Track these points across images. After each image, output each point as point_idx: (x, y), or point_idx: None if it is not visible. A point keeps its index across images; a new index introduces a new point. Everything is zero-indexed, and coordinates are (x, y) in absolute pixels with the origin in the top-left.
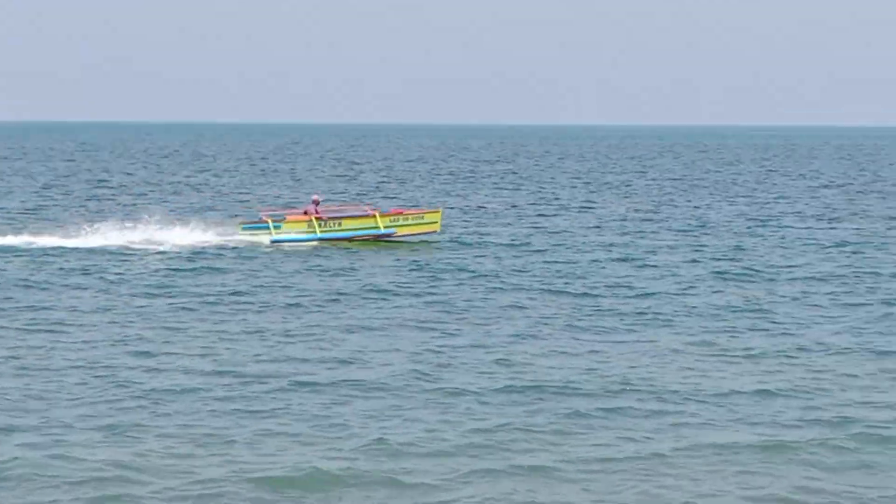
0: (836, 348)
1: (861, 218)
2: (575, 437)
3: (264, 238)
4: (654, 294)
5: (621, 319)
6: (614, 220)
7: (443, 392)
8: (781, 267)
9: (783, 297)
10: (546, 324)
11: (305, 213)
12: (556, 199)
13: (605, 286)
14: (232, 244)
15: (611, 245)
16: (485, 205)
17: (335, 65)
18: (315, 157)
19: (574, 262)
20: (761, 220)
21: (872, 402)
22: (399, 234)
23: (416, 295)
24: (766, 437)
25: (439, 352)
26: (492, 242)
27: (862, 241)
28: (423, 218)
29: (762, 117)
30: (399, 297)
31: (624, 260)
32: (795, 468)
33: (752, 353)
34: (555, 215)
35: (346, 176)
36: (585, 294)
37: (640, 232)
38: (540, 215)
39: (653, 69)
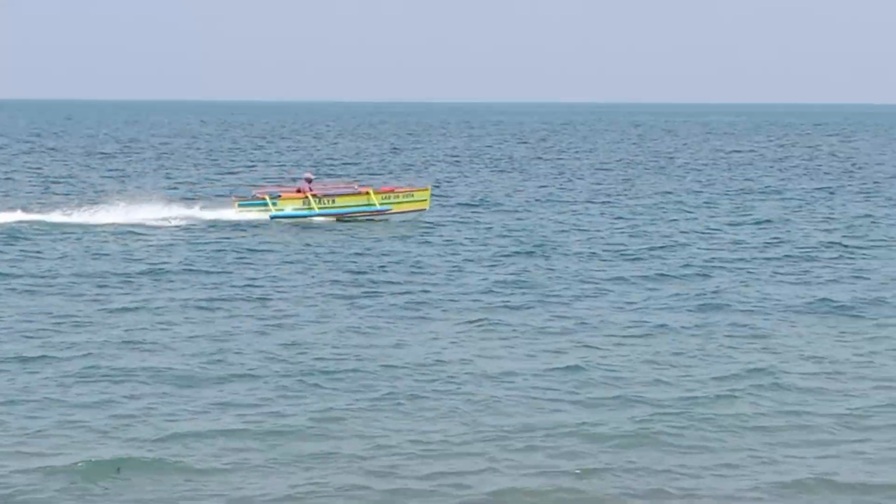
0: (614, 325)
1: (634, 193)
2: (359, 421)
3: (262, 215)
4: (433, 272)
5: (402, 297)
6: None
7: (229, 376)
8: (558, 243)
9: (561, 273)
10: (328, 304)
11: (298, 190)
12: (339, 176)
13: (388, 262)
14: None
15: (389, 222)
16: (265, 182)
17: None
18: (91, 133)
19: (354, 239)
20: (539, 197)
21: (649, 378)
22: (394, 211)
23: (196, 274)
24: (549, 416)
25: (224, 335)
26: (273, 221)
27: (635, 216)
28: (413, 196)
29: (546, 94)
30: (180, 276)
31: (403, 238)
32: (581, 445)
33: (532, 330)
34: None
35: (125, 153)
36: (366, 272)
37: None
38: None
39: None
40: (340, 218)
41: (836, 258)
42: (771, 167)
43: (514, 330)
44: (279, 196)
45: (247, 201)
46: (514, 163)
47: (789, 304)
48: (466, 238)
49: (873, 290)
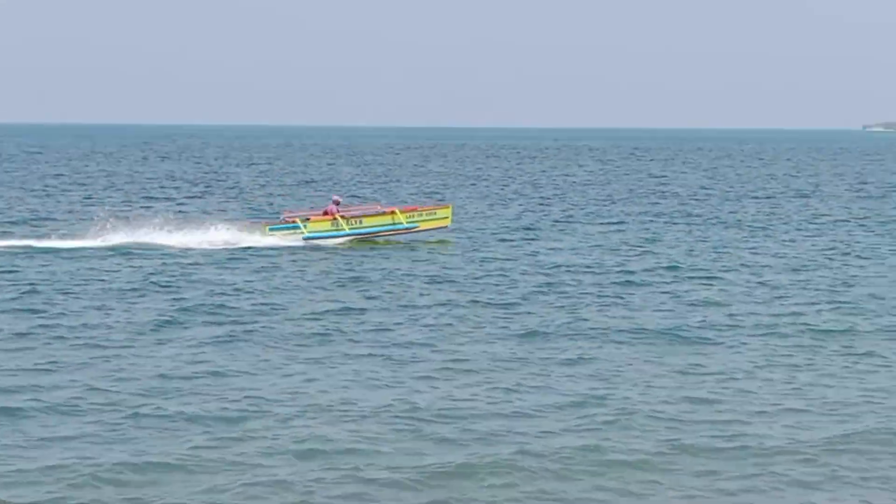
0: (439, 354)
1: (456, 219)
2: (183, 456)
3: (295, 238)
4: (254, 299)
5: (225, 326)
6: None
7: (47, 410)
8: (379, 269)
9: (384, 300)
10: (150, 334)
11: (325, 213)
12: (168, 198)
13: (211, 290)
14: None
15: (215, 249)
16: (75, 208)
17: None
18: None
19: (173, 265)
20: None
21: (475, 408)
22: (420, 228)
23: (12, 301)
24: (371, 446)
25: (43, 365)
26: (89, 247)
27: (457, 240)
28: (436, 213)
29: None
30: None
31: (226, 266)
32: (406, 478)
33: (354, 360)
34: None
35: None
36: (187, 300)
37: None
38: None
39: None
40: (370, 237)
41: (657, 283)
42: (596, 191)
43: (335, 360)
44: (308, 219)
45: (277, 225)
46: (339, 185)
47: (612, 329)
48: (288, 261)
49: (694, 314)
